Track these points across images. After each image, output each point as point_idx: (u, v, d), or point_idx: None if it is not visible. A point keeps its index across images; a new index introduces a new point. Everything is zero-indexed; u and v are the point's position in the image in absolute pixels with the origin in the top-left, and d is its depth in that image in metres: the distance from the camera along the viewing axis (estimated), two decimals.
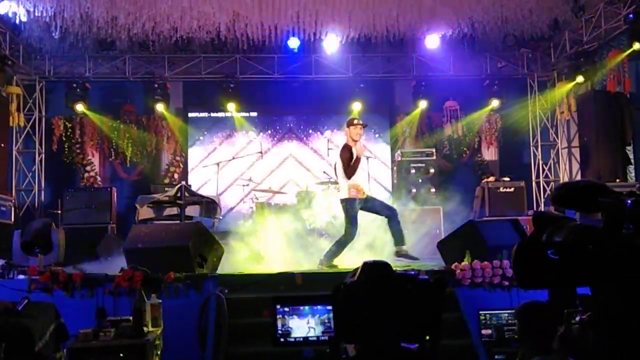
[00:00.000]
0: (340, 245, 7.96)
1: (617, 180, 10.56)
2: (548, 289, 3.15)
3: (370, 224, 8.55)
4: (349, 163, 8.02)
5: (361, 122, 8.31)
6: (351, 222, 7.97)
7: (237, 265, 7.99)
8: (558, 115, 13.21)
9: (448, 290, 6.53)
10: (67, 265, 7.75)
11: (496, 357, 5.91)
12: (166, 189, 10.72)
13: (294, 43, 12.36)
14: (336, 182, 9.71)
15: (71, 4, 10.65)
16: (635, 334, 1.91)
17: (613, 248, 1.94)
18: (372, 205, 8.16)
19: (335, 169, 8.50)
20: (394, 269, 2.60)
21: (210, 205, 10.00)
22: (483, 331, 6.12)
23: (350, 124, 8.29)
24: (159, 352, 5.34)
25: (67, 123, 13.02)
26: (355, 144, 8.15)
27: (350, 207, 8.00)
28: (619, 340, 1.91)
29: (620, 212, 1.98)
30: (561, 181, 12.98)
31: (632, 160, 11.05)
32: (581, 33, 11.72)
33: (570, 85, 12.26)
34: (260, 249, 8.60)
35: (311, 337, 2.65)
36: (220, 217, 10.83)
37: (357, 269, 2.50)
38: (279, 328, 2.67)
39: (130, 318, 5.18)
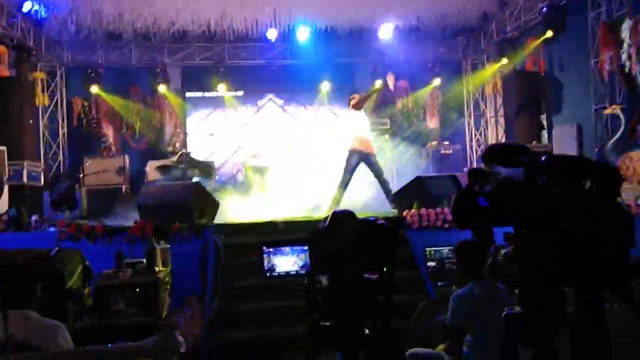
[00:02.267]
0: (338, 189, 7.87)
1: (533, 142, 10.69)
2: (471, 230, 3.18)
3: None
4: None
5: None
6: (345, 170, 7.88)
7: (230, 215, 7.97)
8: (487, 91, 13.25)
9: (400, 232, 6.61)
10: (90, 220, 7.67)
11: (439, 283, 6.00)
12: (170, 155, 10.60)
13: (272, 34, 12.16)
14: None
15: (83, 3, 10.36)
16: (548, 269, 1.94)
17: (531, 195, 1.97)
18: (371, 164, 8.02)
19: None
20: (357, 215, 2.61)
21: (207, 168, 9.95)
22: (428, 264, 6.19)
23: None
24: (167, 287, 5.35)
25: (84, 102, 12.71)
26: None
27: (348, 157, 7.91)
28: (535, 271, 1.95)
29: (537, 167, 2.01)
30: (489, 143, 13.11)
31: (545, 126, 11.19)
32: (505, 24, 11.72)
33: (497, 66, 12.28)
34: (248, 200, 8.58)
35: (291, 271, 2.67)
36: (216, 177, 10.77)
37: (327, 216, 2.51)
38: (266, 265, 2.68)
39: (144, 260, 5.18)
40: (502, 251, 3.74)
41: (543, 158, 2.05)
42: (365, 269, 2.37)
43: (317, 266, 2.41)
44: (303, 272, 2.69)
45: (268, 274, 2.66)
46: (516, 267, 2.11)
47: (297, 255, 2.68)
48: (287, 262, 2.67)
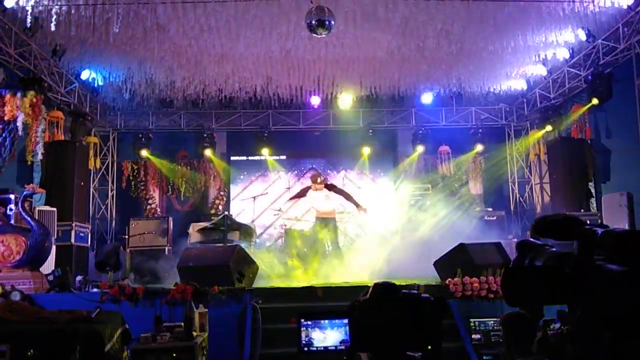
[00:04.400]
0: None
1: (582, 210, 10.33)
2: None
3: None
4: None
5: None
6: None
7: (269, 280, 7.87)
8: (531, 157, 13.02)
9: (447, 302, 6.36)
10: (132, 281, 7.70)
11: (484, 357, 5.72)
12: (212, 218, 10.66)
13: (315, 100, 12.42)
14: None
15: (138, 72, 10.82)
16: (609, 345, 1.79)
17: (586, 272, 1.84)
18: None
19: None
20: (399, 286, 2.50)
21: (247, 231, 9.93)
22: (473, 336, 5.93)
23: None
24: (205, 353, 5.24)
25: (134, 165, 13.13)
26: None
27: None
28: (596, 350, 1.80)
29: (592, 241, 1.88)
30: (536, 212, 12.72)
31: (593, 194, 10.83)
32: (549, 90, 11.62)
33: (541, 132, 12.11)
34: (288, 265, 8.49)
35: (330, 346, 2.53)
36: (256, 240, 10.73)
37: (368, 288, 2.40)
38: (303, 339, 2.55)
39: (182, 324, 5.11)
40: (552, 325, 3.51)
41: (599, 231, 1.92)
42: (409, 346, 2.23)
43: (357, 342, 2.28)
44: (343, 347, 2.54)
45: (306, 349, 2.52)
46: (572, 348, 1.94)
47: (337, 329, 2.54)
48: (325, 336, 2.53)
